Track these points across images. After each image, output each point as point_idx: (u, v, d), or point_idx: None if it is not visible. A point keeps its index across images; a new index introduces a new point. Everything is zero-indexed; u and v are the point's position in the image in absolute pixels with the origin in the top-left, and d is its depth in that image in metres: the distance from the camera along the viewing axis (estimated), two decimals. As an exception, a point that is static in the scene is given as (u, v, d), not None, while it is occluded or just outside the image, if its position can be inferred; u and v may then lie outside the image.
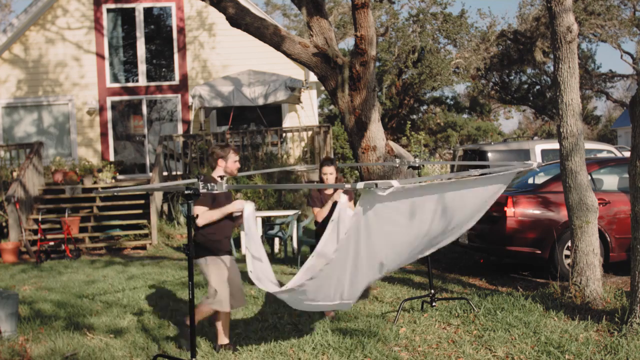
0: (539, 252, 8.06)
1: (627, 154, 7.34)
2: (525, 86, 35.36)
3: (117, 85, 17.03)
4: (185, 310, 6.72)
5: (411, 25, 27.02)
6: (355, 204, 5.32)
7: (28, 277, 9.46)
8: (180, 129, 17.01)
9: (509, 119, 58.31)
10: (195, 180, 4.70)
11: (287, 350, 5.36)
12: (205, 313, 5.47)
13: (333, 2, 25.35)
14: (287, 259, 10.09)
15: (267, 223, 10.78)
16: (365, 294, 7.07)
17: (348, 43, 47.21)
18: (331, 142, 15.32)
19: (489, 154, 11.99)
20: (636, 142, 5.46)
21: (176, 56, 17.11)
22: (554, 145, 11.36)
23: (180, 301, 7.31)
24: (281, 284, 4.97)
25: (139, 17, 17.04)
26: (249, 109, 16.45)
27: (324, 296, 4.62)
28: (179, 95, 17.11)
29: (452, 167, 15.87)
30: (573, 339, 5.31)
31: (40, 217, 12.50)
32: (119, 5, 16.95)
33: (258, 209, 12.92)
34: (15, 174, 13.88)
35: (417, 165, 6.74)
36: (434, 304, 6.55)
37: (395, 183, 3.95)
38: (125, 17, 17.16)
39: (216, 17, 15.80)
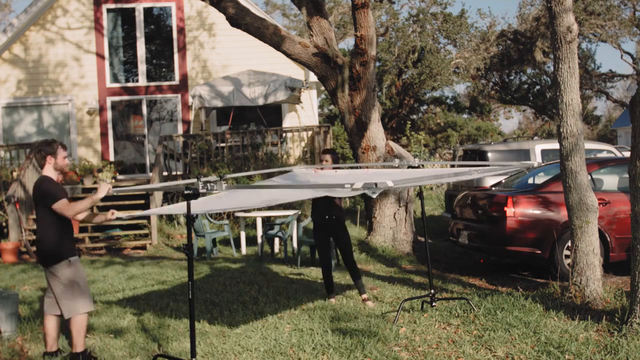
0: (539, 252, 8.06)
1: (627, 154, 7.34)
2: (525, 86, 35.36)
3: (117, 85, 17.03)
4: (185, 310, 6.72)
5: (411, 25, 27.01)
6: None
7: (28, 277, 9.46)
8: (180, 129, 17.01)
9: (509, 119, 58.34)
10: (195, 180, 4.69)
11: (287, 350, 5.36)
12: (84, 322, 5.23)
13: (333, 2, 25.34)
14: (287, 259, 10.09)
15: (267, 223, 10.78)
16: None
17: (348, 43, 47.23)
18: (331, 142, 15.32)
19: (489, 154, 11.99)
20: (636, 142, 5.46)
21: (176, 56, 17.11)
22: (554, 145, 11.36)
23: (181, 301, 7.31)
24: None
25: (139, 17, 17.04)
26: (249, 109, 16.45)
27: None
28: (179, 95, 17.11)
29: (452, 167, 15.88)
30: (573, 339, 5.31)
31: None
32: (119, 5, 16.95)
33: (258, 209, 12.92)
34: (15, 174, 13.87)
35: (417, 165, 6.74)
36: (434, 304, 6.55)
37: (390, 183, 4.04)
38: (125, 17, 17.16)
39: (216, 17, 15.79)
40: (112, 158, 16.69)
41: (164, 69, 17.45)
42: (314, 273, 9.00)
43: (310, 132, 15.65)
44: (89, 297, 5.30)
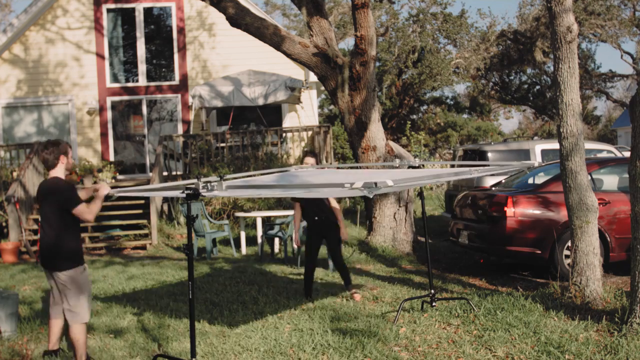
0: (539, 252, 8.06)
1: (627, 154, 7.33)
2: (525, 86, 35.35)
3: (117, 85, 17.03)
4: (185, 310, 6.72)
5: (411, 25, 27.01)
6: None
7: (28, 277, 9.46)
8: (180, 129, 17.01)
9: (509, 119, 58.34)
10: (195, 180, 4.70)
11: (287, 350, 5.36)
12: (84, 333, 5.12)
13: (333, 2, 25.34)
14: (287, 259, 10.09)
15: (267, 223, 10.78)
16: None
17: (348, 43, 47.23)
18: (331, 142, 15.32)
19: (489, 154, 11.99)
20: (636, 142, 5.46)
21: (176, 56, 17.12)
22: (554, 145, 11.36)
23: (181, 301, 7.31)
24: None
25: (139, 17, 17.04)
26: (249, 109, 16.45)
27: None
28: (179, 95, 17.11)
29: (452, 167, 15.87)
30: (573, 339, 5.31)
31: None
32: (119, 5, 16.95)
33: (258, 208, 12.92)
34: (15, 174, 13.88)
35: (417, 165, 6.74)
36: (434, 304, 6.55)
37: (390, 182, 4.05)
38: (125, 17, 17.16)
39: (216, 17, 15.79)
40: (112, 158, 16.69)
41: (164, 69, 17.45)
42: (314, 273, 8.98)
43: (310, 132, 15.65)
44: (90, 306, 5.27)
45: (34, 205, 13.54)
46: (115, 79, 17.12)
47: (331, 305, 6.89)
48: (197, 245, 11.26)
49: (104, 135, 16.80)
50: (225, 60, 16.94)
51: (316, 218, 7.18)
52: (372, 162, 10.23)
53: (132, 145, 17.29)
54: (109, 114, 16.89)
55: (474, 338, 5.54)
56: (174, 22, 17.16)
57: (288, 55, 10.58)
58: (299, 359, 5.19)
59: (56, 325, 5.27)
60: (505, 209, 8.14)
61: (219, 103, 15.09)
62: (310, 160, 7.44)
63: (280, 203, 12.96)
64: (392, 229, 10.47)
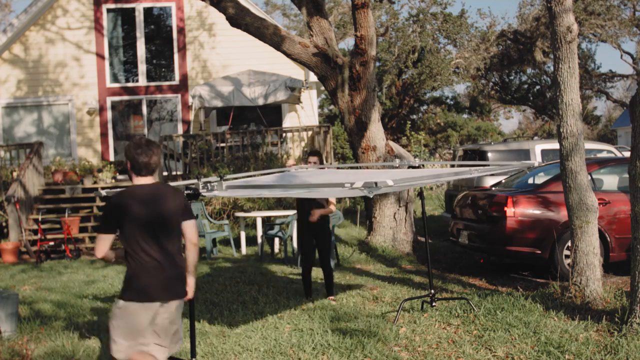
0: (539, 252, 8.06)
1: (627, 154, 7.34)
2: (525, 86, 35.35)
3: (117, 85, 17.03)
4: (185, 310, 6.71)
5: (411, 25, 27.01)
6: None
7: (28, 277, 9.46)
8: (180, 129, 17.01)
9: (509, 119, 58.33)
10: (195, 180, 4.69)
11: (287, 350, 5.36)
12: None
13: (333, 2, 25.34)
14: (287, 259, 10.09)
15: (267, 223, 10.78)
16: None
17: (348, 43, 47.21)
18: (331, 142, 15.32)
19: (489, 154, 11.99)
20: (636, 142, 5.46)
21: (176, 56, 17.11)
22: (554, 145, 11.36)
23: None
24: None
25: (139, 17, 17.04)
26: (249, 109, 16.45)
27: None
28: (179, 95, 17.11)
29: (452, 167, 15.87)
30: (573, 339, 5.31)
31: (40, 217, 12.50)
32: (119, 5, 16.95)
33: (258, 208, 12.93)
34: (15, 174, 13.87)
35: (417, 165, 6.74)
36: (434, 304, 6.55)
37: (390, 182, 4.05)
38: (125, 17, 17.15)
39: (216, 17, 15.79)
40: (112, 158, 16.68)
41: (163, 69, 17.44)
42: (314, 273, 8.98)
43: (310, 132, 15.65)
44: None
45: (34, 205, 13.54)
46: (115, 79, 17.12)
47: (331, 305, 6.89)
48: (197, 245, 11.25)
49: (104, 135, 16.80)
50: (225, 60, 16.94)
51: (309, 219, 7.20)
52: (372, 162, 10.23)
53: (132, 145, 17.27)
54: (109, 114, 16.89)
55: (474, 338, 5.54)
56: (174, 22, 17.15)
57: (288, 55, 10.58)
58: (299, 359, 5.19)
59: None
60: (505, 209, 8.14)
61: (219, 103, 15.09)
62: (313, 159, 7.47)
63: (280, 203, 12.96)
64: (392, 229, 10.47)
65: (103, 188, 13.88)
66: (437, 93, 33.38)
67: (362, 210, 13.74)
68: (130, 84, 17.13)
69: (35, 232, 12.55)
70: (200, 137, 15.14)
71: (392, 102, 30.45)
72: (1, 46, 16.36)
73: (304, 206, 7.21)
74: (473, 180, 11.53)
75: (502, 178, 10.43)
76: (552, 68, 8.61)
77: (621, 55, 43.58)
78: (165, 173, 14.72)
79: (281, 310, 6.74)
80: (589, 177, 7.20)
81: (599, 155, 11.84)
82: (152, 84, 17.12)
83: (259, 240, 10.61)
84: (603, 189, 8.47)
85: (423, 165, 7.02)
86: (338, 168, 9.11)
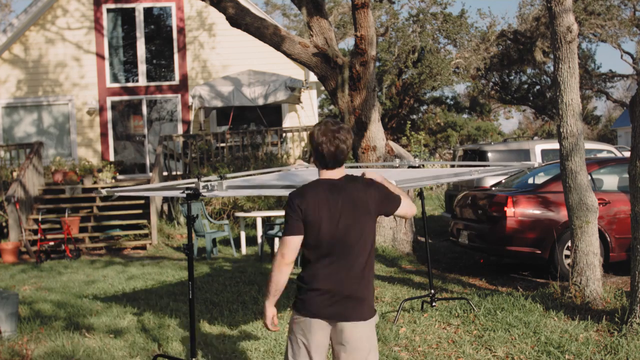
0: (539, 252, 8.06)
1: (627, 154, 7.34)
2: (525, 86, 35.36)
3: (117, 85, 17.03)
4: (185, 310, 6.72)
5: (411, 25, 27.02)
6: None
7: (28, 277, 9.46)
8: (180, 129, 17.01)
9: (509, 119, 58.27)
10: (195, 180, 4.69)
11: (287, 350, 5.35)
12: None
13: (333, 2, 25.34)
14: (287, 259, 10.08)
15: (267, 223, 10.78)
16: None
17: (348, 43, 47.21)
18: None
19: (489, 154, 11.99)
20: (636, 142, 5.46)
21: (176, 56, 17.12)
22: (554, 145, 11.36)
23: (180, 301, 7.31)
24: None
25: (139, 17, 17.04)
26: (249, 109, 16.45)
27: None
28: (179, 95, 17.11)
29: (452, 167, 15.87)
30: (573, 339, 5.31)
31: (40, 217, 12.50)
32: (119, 5, 16.95)
33: (258, 208, 12.93)
34: (15, 174, 13.88)
35: (417, 165, 6.74)
36: (434, 304, 6.55)
37: (392, 181, 4.07)
38: (125, 17, 17.16)
39: (216, 17, 15.79)
40: (112, 158, 16.69)
41: (163, 69, 17.45)
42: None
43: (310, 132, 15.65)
44: None
45: (34, 205, 13.54)
46: (115, 79, 17.12)
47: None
48: (197, 245, 11.26)
49: (104, 135, 16.80)
50: (225, 60, 16.94)
51: None
52: (372, 162, 10.23)
53: (132, 145, 17.28)
54: (109, 114, 16.89)
55: (474, 338, 5.54)
56: (174, 22, 17.15)
57: (288, 55, 10.58)
58: (299, 359, 5.18)
59: None
60: (505, 209, 8.14)
61: (219, 103, 15.10)
62: None
63: (280, 203, 12.96)
64: (392, 229, 10.47)
65: (103, 188, 13.89)
66: (437, 93, 33.41)
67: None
68: (130, 84, 17.13)
69: (35, 232, 12.55)
70: (200, 137, 15.15)
71: (392, 102, 30.45)
72: (1, 46, 16.36)
73: None
74: (473, 180, 11.53)
75: (502, 178, 10.43)
76: (552, 68, 8.61)
77: (621, 55, 43.61)
78: (165, 173, 14.73)
79: (281, 310, 6.74)
80: (589, 177, 7.20)
81: (599, 155, 11.84)
82: (152, 84, 17.12)
83: (259, 240, 10.61)
84: (603, 189, 8.47)
85: (423, 165, 7.02)
86: None
